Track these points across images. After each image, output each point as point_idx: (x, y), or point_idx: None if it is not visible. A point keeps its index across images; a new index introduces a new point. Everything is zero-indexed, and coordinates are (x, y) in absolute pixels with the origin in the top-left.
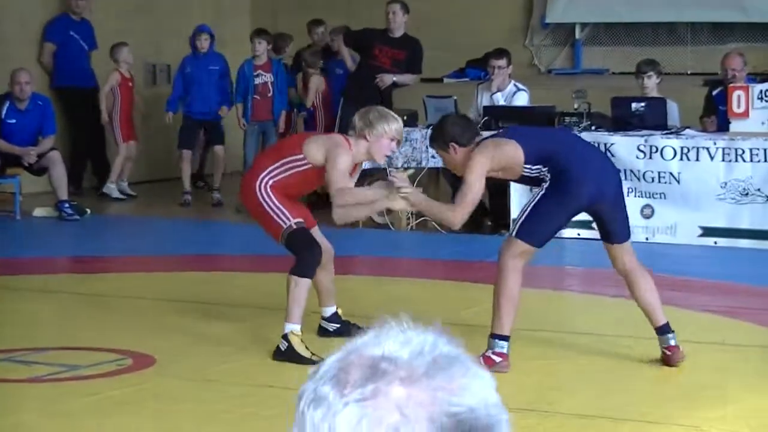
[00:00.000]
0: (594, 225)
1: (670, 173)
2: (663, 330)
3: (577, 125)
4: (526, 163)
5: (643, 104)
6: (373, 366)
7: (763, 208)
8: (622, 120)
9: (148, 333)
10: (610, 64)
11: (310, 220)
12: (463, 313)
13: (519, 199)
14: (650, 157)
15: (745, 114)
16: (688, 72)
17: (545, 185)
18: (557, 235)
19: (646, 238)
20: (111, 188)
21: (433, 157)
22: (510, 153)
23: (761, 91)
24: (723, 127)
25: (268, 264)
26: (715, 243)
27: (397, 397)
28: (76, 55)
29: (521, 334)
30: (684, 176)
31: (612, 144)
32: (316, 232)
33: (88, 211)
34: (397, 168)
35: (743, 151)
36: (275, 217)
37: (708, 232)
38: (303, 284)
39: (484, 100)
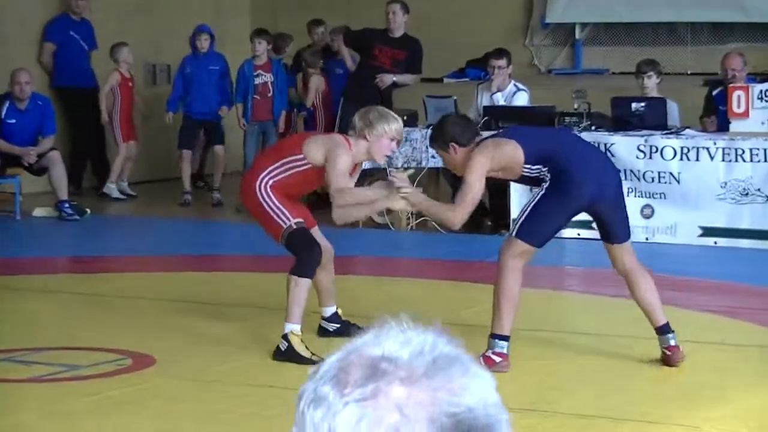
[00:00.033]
0: (594, 225)
1: (670, 173)
2: (663, 330)
3: (577, 125)
4: (526, 163)
5: (643, 104)
6: (373, 366)
7: (763, 208)
8: (622, 120)
9: (148, 333)
10: (610, 64)
11: (310, 220)
12: (463, 313)
13: (519, 199)
14: (650, 157)
15: (745, 114)
16: (688, 72)
17: (545, 185)
18: (557, 235)
19: (646, 238)
20: (111, 188)
21: (433, 157)
22: (510, 153)
23: (761, 91)
24: (723, 127)
25: (268, 264)
26: (715, 243)
27: (397, 397)
28: (76, 55)
29: (521, 334)
30: (684, 176)
31: (612, 144)
32: (316, 232)
33: (88, 211)
34: (397, 168)
35: (743, 151)
36: (275, 217)
37: (708, 232)
38: (303, 284)
39: (484, 100)
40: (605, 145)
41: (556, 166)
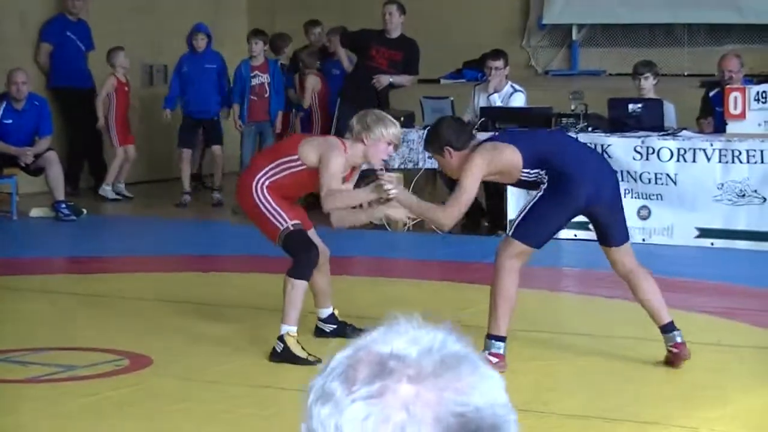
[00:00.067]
0: (590, 227)
1: (667, 174)
2: (668, 328)
3: (573, 126)
4: (524, 168)
5: (639, 105)
6: (381, 363)
7: (760, 209)
8: (618, 121)
9: (146, 333)
10: (607, 66)
11: (307, 222)
12: (460, 314)
13: (516, 200)
14: (647, 159)
15: (742, 115)
16: (685, 73)
17: (543, 187)
18: (554, 236)
19: (643, 240)
20: (106, 190)
21: (430, 158)
22: (508, 157)
23: (758, 93)
24: (720, 128)
25: (266, 265)
26: (712, 244)
27: (404, 395)
28: (73, 56)
29: (518, 334)
30: (681, 177)
31: (609, 145)
32: (313, 234)
33: (85, 211)
34: (392, 169)
35: (740, 153)
36: (272, 218)
37: (705, 233)
38: (299, 286)
39: (481, 101)
40: (602, 146)
41: (554, 168)
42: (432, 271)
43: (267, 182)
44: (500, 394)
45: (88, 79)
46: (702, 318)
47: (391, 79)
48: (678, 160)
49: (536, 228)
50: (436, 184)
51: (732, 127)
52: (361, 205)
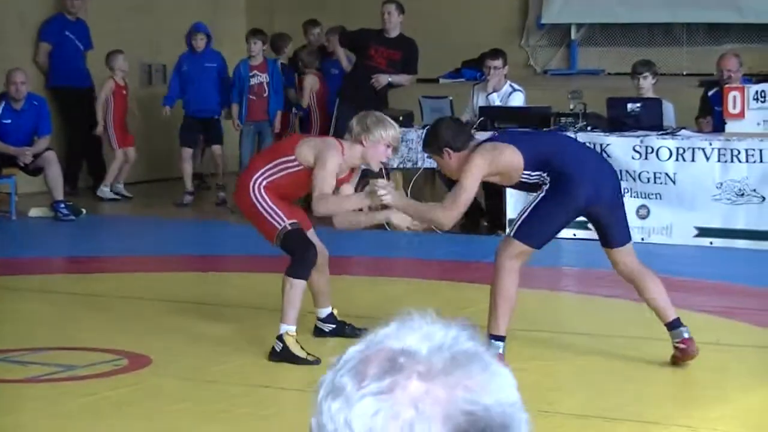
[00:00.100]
0: (590, 226)
1: (666, 174)
2: (674, 324)
3: (572, 126)
4: (525, 170)
5: (638, 105)
6: (392, 359)
7: (759, 208)
8: (617, 120)
9: (144, 333)
10: (606, 65)
11: (307, 222)
12: (459, 314)
13: (515, 200)
14: (646, 158)
15: (741, 115)
16: (684, 73)
17: (545, 188)
18: (554, 237)
19: (642, 239)
20: (104, 191)
21: (429, 157)
22: (508, 158)
23: (757, 92)
24: (719, 127)
25: (265, 264)
26: (711, 243)
27: (413, 392)
28: (72, 55)
29: (518, 334)
30: (680, 177)
31: (608, 144)
32: (312, 235)
33: (84, 211)
34: (387, 170)
35: (739, 152)
36: (269, 218)
37: (703, 232)
38: (298, 285)
39: (480, 101)
40: (601, 145)
41: (555, 169)
42: (431, 271)
43: (264, 182)
44: (511, 392)
45: (86, 78)
46: (701, 317)
47: (390, 79)
48: (677, 160)
49: (538, 228)
50: (435, 184)
51: (731, 127)
52: (361, 208)
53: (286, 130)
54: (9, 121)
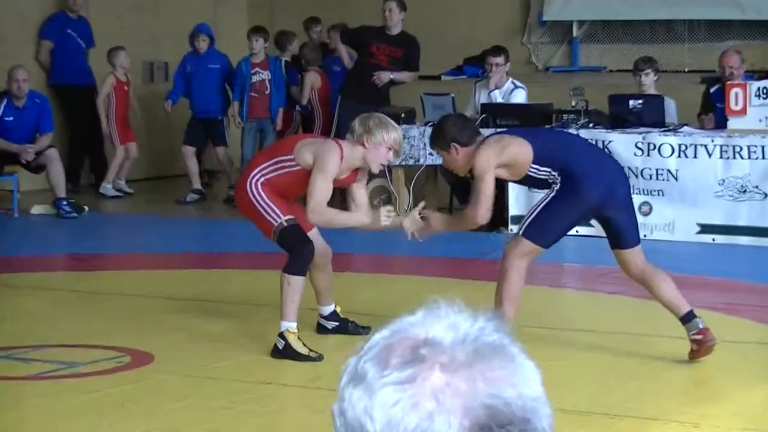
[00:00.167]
0: (592, 222)
1: (668, 170)
2: (689, 317)
3: (574, 123)
4: (534, 163)
5: (640, 102)
6: (415, 349)
7: (761, 205)
8: (619, 117)
9: (147, 330)
10: (608, 62)
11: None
12: None
13: (516, 195)
14: (648, 155)
15: (743, 111)
16: (686, 69)
17: (556, 187)
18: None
19: (644, 236)
20: (107, 188)
21: (431, 154)
22: (516, 149)
23: (759, 89)
24: (721, 124)
25: (266, 261)
26: (713, 240)
27: (434, 383)
28: (74, 53)
29: (520, 331)
30: (682, 173)
31: (610, 141)
32: (314, 233)
33: (86, 208)
34: (390, 169)
35: (741, 149)
36: (265, 214)
37: (706, 229)
38: (296, 282)
39: (482, 98)
40: (603, 142)
41: (565, 168)
42: (434, 268)
43: (262, 179)
44: (534, 386)
45: (88, 76)
46: (703, 314)
47: (391, 76)
48: (679, 156)
49: (548, 228)
50: (437, 181)
51: (733, 123)
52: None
53: (289, 127)
54: (11, 118)
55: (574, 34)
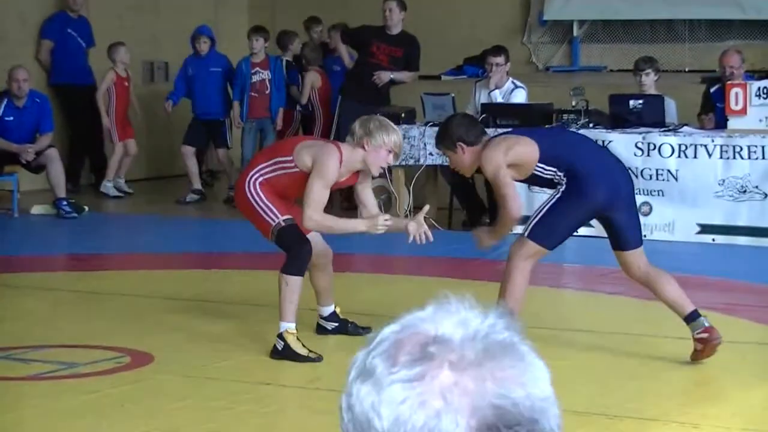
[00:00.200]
0: (592, 223)
1: (668, 170)
2: (694, 316)
3: (575, 122)
4: (540, 162)
5: (640, 101)
6: (424, 346)
7: (761, 205)
8: (619, 117)
9: (147, 331)
10: (608, 62)
11: None
12: None
13: None
14: (648, 155)
15: (743, 111)
16: (686, 69)
17: (561, 189)
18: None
19: (644, 236)
20: (108, 187)
21: (431, 154)
22: (522, 148)
23: (759, 89)
24: (721, 124)
25: (266, 261)
26: (713, 240)
27: (443, 382)
28: (74, 53)
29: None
30: (682, 173)
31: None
32: (315, 234)
33: (86, 208)
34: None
35: (741, 149)
36: (263, 214)
37: (706, 229)
38: (294, 282)
39: (482, 98)
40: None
41: (570, 168)
42: (434, 268)
43: (260, 179)
44: (543, 386)
45: (89, 75)
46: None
47: (391, 76)
48: (679, 156)
49: (553, 229)
50: (437, 181)
51: (733, 123)
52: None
53: (289, 127)
54: (11, 118)
55: (575, 33)
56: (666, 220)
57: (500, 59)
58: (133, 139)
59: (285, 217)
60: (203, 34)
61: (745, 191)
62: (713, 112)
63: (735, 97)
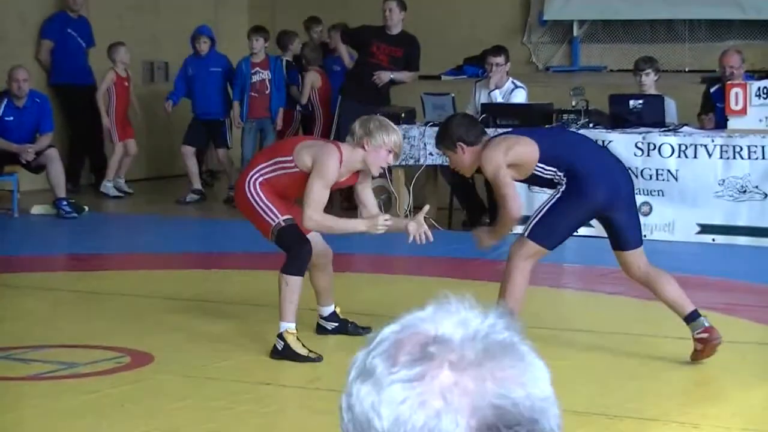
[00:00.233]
0: (592, 223)
1: (668, 170)
2: (694, 316)
3: (575, 122)
4: (540, 162)
5: (640, 101)
6: (424, 346)
7: (761, 205)
8: (620, 117)
9: (146, 331)
10: (608, 62)
11: None
12: None
13: None
14: (648, 155)
15: (743, 111)
16: (686, 69)
17: (561, 188)
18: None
19: (644, 236)
20: (108, 187)
21: (431, 154)
22: (522, 148)
23: (759, 88)
24: (721, 124)
25: (265, 261)
26: (713, 240)
27: (443, 382)
28: (74, 53)
29: None
30: (682, 173)
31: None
32: (315, 234)
33: (86, 208)
34: (390, 170)
35: (741, 149)
36: (263, 214)
37: (706, 229)
38: (294, 282)
39: (482, 98)
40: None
41: (570, 168)
42: (433, 268)
43: (260, 179)
44: (543, 386)
45: (88, 75)
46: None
47: (391, 76)
48: (679, 156)
49: (553, 229)
50: (437, 181)
51: (733, 123)
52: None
53: (289, 127)
54: (11, 118)
55: (575, 33)
56: (666, 220)
57: (500, 59)
58: (133, 139)
59: (285, 217)
60: (203, 34)
61: (745, 191)
62: (713, 112)
63: (735, 97)
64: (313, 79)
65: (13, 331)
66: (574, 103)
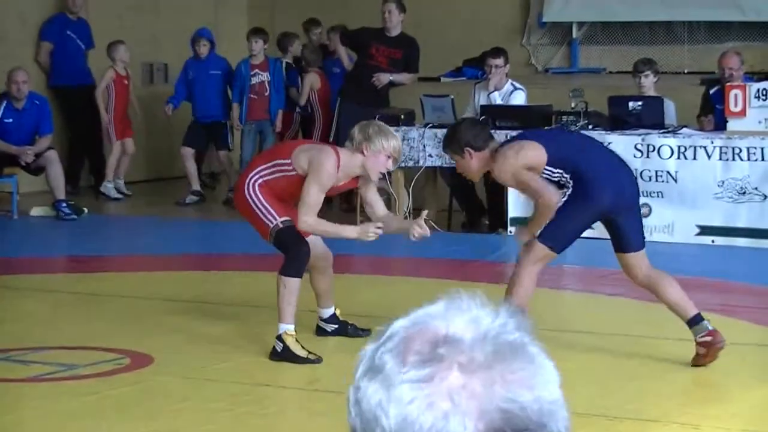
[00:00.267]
0: (593, 225)
1: (668, 172)
2: (697, 319)
3: (574, 124)
4: (547, 165)
5: (640, 103)
6: (434, 345)
7: (760, 206)
8: (619, 119)
9: (146, 332)
10: (607, 63)
11: None
12: None
13: (515, 198)
14: (647, 156)
15: (742, 113)
16: (685, 71)
17: (567, 191)
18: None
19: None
20: (108, 188)
21: (430, 156)
22: (531, 153)
23: (758, 90)
24: (720, 125)
25: (265, 263)
26: (713, 242)
27: (451, 384)
28: (73, 54)
29: None
30: (681, 175)
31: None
32: (315, 237)
33: (86, 210)
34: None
35: (740, 150)
36: (262, 216)
37: (705, 230)
38: (292, 284)
39: (481, 99)
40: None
41: (576, 170)
42: (433, 270)
43: (259, 180)
44: (552, 389)
45: (88, 77)
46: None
47: (391, 78)
48: (678, 158)
49: (561, 231)
50: (437, 183)
51: (732, 125)
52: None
53: (289, 129)
54: (10, 120)
55: (574, 35)
56: (665, 222)
57: (499, 61)
58: (131, 138)
59: (283, 218)
60: (203, 36)
61: (744, 193)
62: (712, 113)
63: (734, 98)
64: (312, 80)
65: (13, 333)
66: (573, 105)
